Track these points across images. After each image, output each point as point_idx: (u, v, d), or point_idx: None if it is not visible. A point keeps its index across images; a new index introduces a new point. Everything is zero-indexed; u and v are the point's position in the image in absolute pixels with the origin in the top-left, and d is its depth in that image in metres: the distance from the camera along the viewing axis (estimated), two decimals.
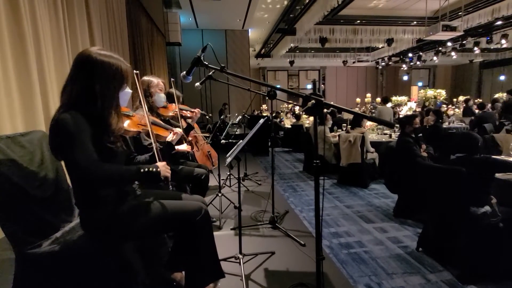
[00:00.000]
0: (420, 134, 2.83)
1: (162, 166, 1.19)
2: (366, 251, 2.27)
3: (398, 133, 3.32)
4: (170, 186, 1.22)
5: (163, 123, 1.69)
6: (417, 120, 2.92)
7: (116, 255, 1.07)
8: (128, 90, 1.20)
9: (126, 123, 1.28)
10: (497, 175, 2.09)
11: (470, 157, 1.95)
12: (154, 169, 1.15)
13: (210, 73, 1.36)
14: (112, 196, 1.14)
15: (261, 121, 1.65)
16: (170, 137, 1.58)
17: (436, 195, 2.08)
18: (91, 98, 1.05)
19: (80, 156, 0.97)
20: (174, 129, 1.65)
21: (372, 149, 4.06)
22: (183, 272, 1.34)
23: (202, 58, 1.05)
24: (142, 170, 1.11)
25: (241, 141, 1.54)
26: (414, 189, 2.62)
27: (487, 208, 1.89)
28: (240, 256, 1.64)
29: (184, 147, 1.67)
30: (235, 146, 1.44)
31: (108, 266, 1.06)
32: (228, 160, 1.40)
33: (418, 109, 7.71)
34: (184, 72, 1.12)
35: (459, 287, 1.80)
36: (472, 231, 1.85)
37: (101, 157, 1.05)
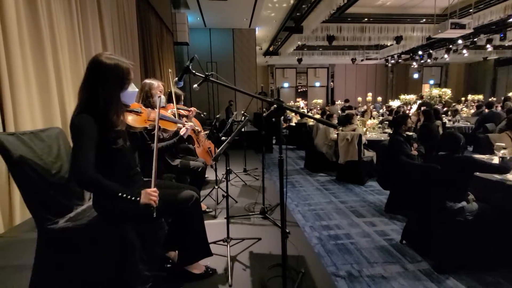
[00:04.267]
0: (412, 133, 2.94)
1: (147, 194, 1.20)
2: (352, 243, 2.42)
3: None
4: (154, 214, 1.22)
5: (173, 118, 1.86)
6: (410, 120, 3.03)
7: (119, 233, 1.28)
8: (132, 90, 1.32)
9: (133, 120, 1.46)
10: (478, 174, 2.19)
11: (450, 156, 2.07)
12: (133, 198, 1.17)
13: (208, 75, 1.54)
14: (121, 183, 1.34)
15: (247, 118, 1.83)
16: (182, 131, 1.76)
17: (417, 191, 2.21)
18: (95, 100, 1.21)
19: (79, 159, 1.12)
20: (186, 123, 1.83)
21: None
22: (177, 251, 1.55)
23: (190, 67, 1.24)
24: (120, 194, 1.16)
25: (226, 138, 1.72)
26: (402, 185, 2.75)
27: (464, 203, 2.01)
28: (228, 240, 1.83)
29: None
30: (224, 143, 1.63)
31: (111, 241, 1.27)
32: (216, 154, 1.58)
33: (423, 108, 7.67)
34: (176, 78, 1.32)
35: (435, 276, 1.93)
36: (448, 224, 1.98)
37: (107, 156, 1.23)
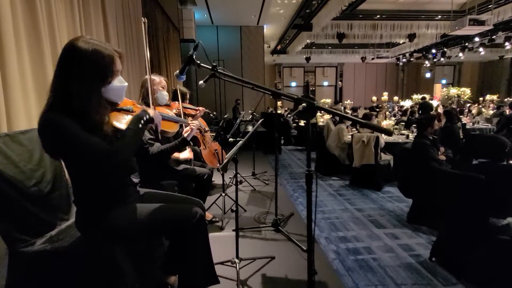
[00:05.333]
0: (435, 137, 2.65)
1: (154, 112, 1.19)
2: (374, 258, 2.16)
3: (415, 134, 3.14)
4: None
5: (174, 116, 1.61)
6: (437, 122, 2.74)
7: (106, 257, 1.06)
8: (119, 85, 1.07)
9: (123, 120, 1.23)
10: None
11: (494, 164, 1.80)
12: (148, 116, 1.14)
13: (216, 66, 1.31)
14: (109, 197, 1.11)
15: (259, 121, 1.60)
16: (186, 131, 1.55)
17: (452, 203, 1.94)
18: (69, 96, 0.96)
19: (88, 150, 0.95)
20: (190, 122, 1.60)
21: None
22: (177, 276, 1.32)
23: (194, 57, 1.00)
24: (140, 126, 1.10)
25: (233, 139, 1.49)
26: (429, 194, 2.47)
27: (510, 220, 1.74)
28: (237, 261, 1.59)
29: (186, 154, 1.63)
30: (233, 148, 1.39)
31: (98, 267, 1.05)
32: (225, 161, 1.35)
33: (440, 110, 7.32)
34: (177, 71, 1.08)
35: None
36: (491, 243, 1.70)
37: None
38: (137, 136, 1.09)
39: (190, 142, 1.62)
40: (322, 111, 1.36)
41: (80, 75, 0.97)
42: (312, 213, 0.91)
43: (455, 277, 1.90)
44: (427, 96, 10.52)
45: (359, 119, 0.97)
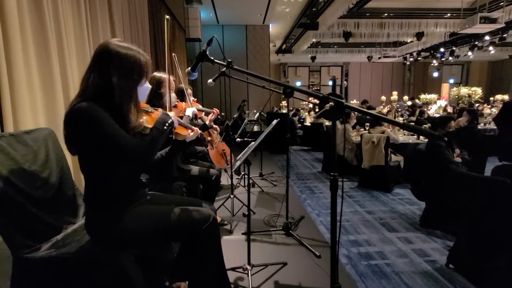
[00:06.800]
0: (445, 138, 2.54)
1: (173, 117, 1.21)
2: (388, 264, 2.09)
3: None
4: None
5: (187, 124, 1.60)
6: (452, 123, 2.64)
7: (114, 263, 1.00)
8: (147, 85, 1.16)
9: (145, 120, 1.22)
10: None
11: None
12: (171, 120, 1.17)
13: (223, 69, 1.26)
14: (122, 198, 1.08)
15: (274, 122, 1.53)
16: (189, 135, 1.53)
17: (472, 207, 1.85)
18: (108, 91, 1.01)
19: (121, 141, 0.97)
20: (194, 128, 1.58)
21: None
22: (187, 282, 1.26)
23: (207, 52, 0.94)
24: (165, 127, 1.13)
25: (252, 142, 1.42)
26: (444, 197, 2.38)
27: None
28: (249, 268, 1.53)
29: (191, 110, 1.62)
30: (246, 149, 1.33)
31: (105, 274, 0.99)
32: (237, 163, 1.29)
33: (449, 109, 7.17)
34: (189, 68, 1.02)
35: None
36: None
37: (110, 160, 1.04)
38: (161, 137, 1.12)
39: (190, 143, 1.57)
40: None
41: (121, 73, 1.03)
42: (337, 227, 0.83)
43: (475, 285, 1.82)
44: (435, 96, 10.36)
45: (402, 123, 0.90)
